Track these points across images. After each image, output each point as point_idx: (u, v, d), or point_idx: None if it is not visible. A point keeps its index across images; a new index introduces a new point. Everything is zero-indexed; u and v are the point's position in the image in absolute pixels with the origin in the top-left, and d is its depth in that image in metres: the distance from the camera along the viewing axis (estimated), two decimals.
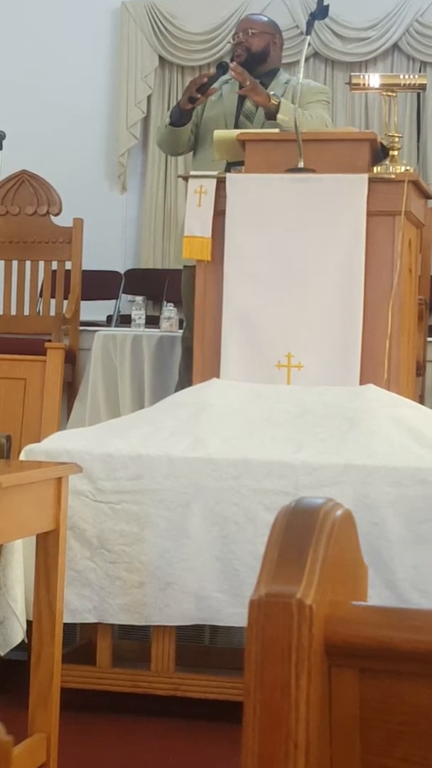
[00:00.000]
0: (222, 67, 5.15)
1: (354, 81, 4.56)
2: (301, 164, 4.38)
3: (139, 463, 3.65)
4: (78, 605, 3.62)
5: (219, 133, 4.93)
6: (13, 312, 6.94)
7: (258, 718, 1.45)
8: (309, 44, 4.83)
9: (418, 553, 3.46)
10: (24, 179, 6.98)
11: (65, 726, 3.14)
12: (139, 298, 6.93)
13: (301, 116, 4.58)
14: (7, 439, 3.23)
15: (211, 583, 3.54)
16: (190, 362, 4.69)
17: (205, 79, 5.12)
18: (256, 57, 5.35)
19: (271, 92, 5.10)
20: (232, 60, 5.37)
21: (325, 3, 4.77)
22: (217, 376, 4.33)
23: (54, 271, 6.91)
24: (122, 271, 8.36)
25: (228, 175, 4.52)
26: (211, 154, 4.96)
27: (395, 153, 4.44)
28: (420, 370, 5.75)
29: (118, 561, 3.61)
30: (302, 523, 1.52)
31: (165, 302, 6.96)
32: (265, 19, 5.65)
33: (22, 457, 3.70)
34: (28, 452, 3.71)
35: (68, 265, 6.86)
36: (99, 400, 6.25)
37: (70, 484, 3.25)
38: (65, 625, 3.21)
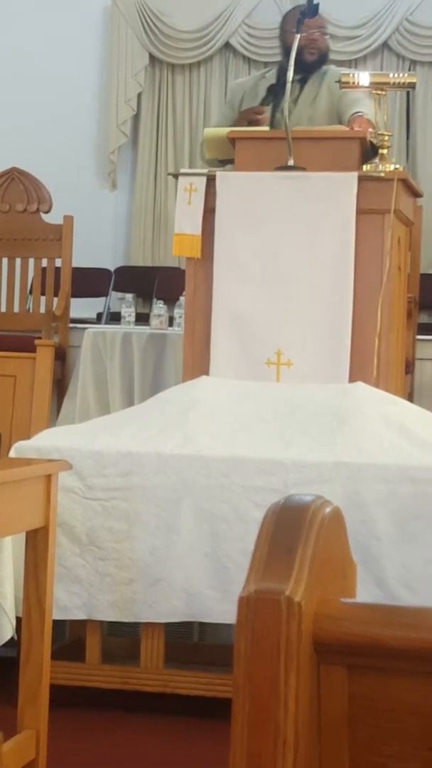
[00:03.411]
0: (273, 91, 4.93)
1: (344, 79, 4.56)
2: (291, 162, 4.39)
3: (128, 460, 3.65)
4: (67, 602, 3.62)
5: (209, 131, 4.92)
6: (3, 309, 6.93)
7: (247, 714, 1.45)
8: (299, 42, 4.81)
9: (407, 551, 3.46)
10: (14, 176, 6.97)
11: (54, 722, 3.14)
12: (129, 296, 6.93)
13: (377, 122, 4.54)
14: None
15: (201, 580, 3.55)
16: None
17: (258, 117, 4.87)
18: (324, 58, 5.18)
19: (362, 114, 4.80)
20: (302, 50, 4.95)
21: (314, 1, 4.77)
22: (207, 373, 4.34)
23: (44, 269, 6.90)
24: (112, 269, 8.36)
25: (218, 172, 4.53)
26: None
27: (385, 151, 4.45)
28: (409, 367, 5.76)
29: (108, 558, 3.61)
30: (291, 521, 1.53)
31: (155, 300, 6.96)
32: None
33: (11, 454, 3.70)
34: (18, 449, 3.71)
35: (58, 263, 6.85)
36: (89, 398, 6.25)
37: (60, 481, 3.25)
38: (54, 621, 3.21)
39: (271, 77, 5.15)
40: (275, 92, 4.93)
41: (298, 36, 4.68)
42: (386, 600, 3.36)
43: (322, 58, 5.15)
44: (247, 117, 4.85)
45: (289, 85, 4.51)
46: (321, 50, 5.13)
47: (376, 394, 3.99)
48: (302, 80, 5.02)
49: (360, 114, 4.72)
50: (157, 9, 8.55)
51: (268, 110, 4.92)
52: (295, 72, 4.99)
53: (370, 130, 4.53)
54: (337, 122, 4.91)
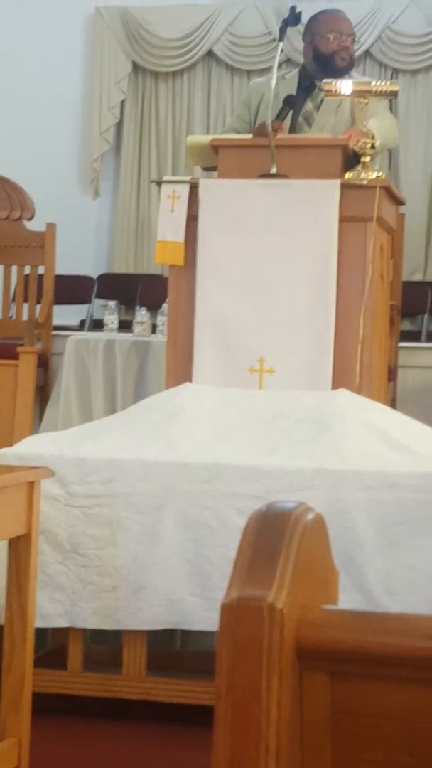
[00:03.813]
0: (289, 103, 4.79)
1: (326, 87, 4.56)
2: (273, 170, 4.39)
3: (111, 467, 3.65)
4: (50, 610, 3.61)
5: (192, 139, 4.92)
6: None
7: (229, 721, 1.45)
8: (282, 51, 4.82)
9: (389, 557, 3.47)
10: None
11: (36, 730, 3.13)
12: (111, 303, 6.93)
13: (382, 132, 4.52)
14: None
15: (183, 587, 3.54)
16: None
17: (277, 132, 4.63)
18: (352, 65, 5.15)
19: (363, 126, 4.66)
20: (331, 56, 5.00)
21: (297, 10, 4.78)
22: (190, 380, 4.34)
23: (27, 276, 6.89)
24: (95, 276, 8.36)
25: (201, 180, 4.53)
26: None
27: (367, 159, 4.45)
28: (392, 374, 5.77)
29: (90, 565, 3.60)
30: (274, 527, 1.53)
31: (138, 307, 6.96)
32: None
33: None
34: (0, 456, 3.70)
35: (41, 270, 6.84)
36: (71, 405, 6.24)
37: (42, 488, 3.25)
38: (37, 629, 3.20)
39: (292, 79, 5.08)
40: (293, 101, 4.85)
41: (280, 44, 4.69)
42: (368, 606, 3.36)
43: (351, 65, 5.12)
44: (265, 132, 4.56)
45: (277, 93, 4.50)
46: (352, 57, 5.12)
47: (358, 401, 3.99)
48: None
49: (356, 127, 4.69)
50: (141, 17, 8.56)
51: (287, 120, 4.84)
52: (312, 80, 4.98)
53: (364, 140, 4.47)
54: None
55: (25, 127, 8.36)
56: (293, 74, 5.12)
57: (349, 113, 4.94)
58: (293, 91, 4.96)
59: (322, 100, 4.97)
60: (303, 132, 4.89)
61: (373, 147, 4.45)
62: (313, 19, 5.09)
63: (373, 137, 4.45)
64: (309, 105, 5.03)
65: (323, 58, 5.02)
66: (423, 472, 3.52)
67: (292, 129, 4.89)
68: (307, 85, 5.04)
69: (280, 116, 4.68)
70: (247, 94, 5.24)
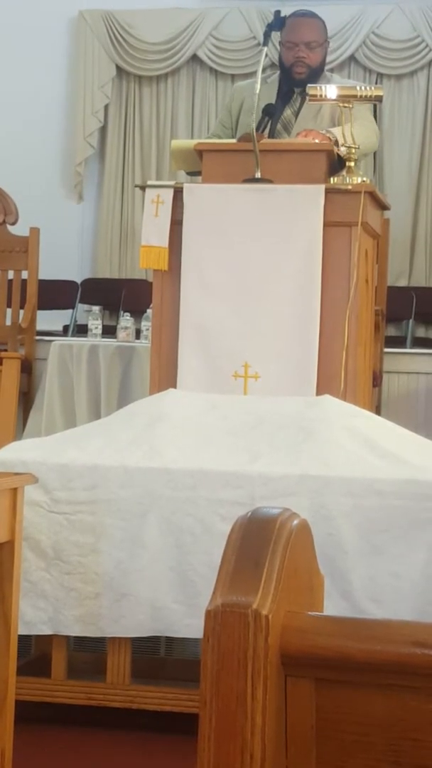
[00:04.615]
0: (268, 113, 4.78)
1: (311, 92, 4.56)
2: (258, 174, 4.39)
3: (94, 473, 3.63)
4: (33, 617, 3.59)
5: (176, 143, 4.92)
6: None
7: (214, 728, 1.44)
8: (266, 55, 4.82)
9: (374, 564, 3.46)
10: None
11: (20, 739, 3.11)
12: (95, 308, 6.92)
13: (356, 136, 4.43)
14: None
15: (167, 594, 3.53)
16: None
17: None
18: (316, 72, 5.01)
19: (323, 130, 4.73)
20: (290, 68, 4.95)
21: (281, 14, 4.78)
22: (174, 386, 4.33)
23: (10, 281, 6.88)
24: (79, 281, 8.34)
25: (185, 184, 4.52)
26: None
27: (352, 164, 4.45)
28: (376, 380, 5.77)
29: (74, 572, 3.59)
30: (258, 534, 1.52)
31: (122, 312, 6.96)
32: (320, 22, 5.14)
33: None
34: None
35: (25, 275, 6.83)
36: (55, 410, 6.23)
37: (26, 495, 3.23)
38: (20, 636, 3.18)
39: (273, 83, 5.04)
40: (271, 111, 4.82)
41: (264, 48, 4.68)
42: (353, 613, 3.35)
43: (314, 73, 4.99)
44: (249, 138, 4.51)
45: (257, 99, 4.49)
46: (310, 66, 4.97)
47: (343, 407, 3.99)
48: (304, 92, 4.88)
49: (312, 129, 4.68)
50: (124, 21, 8.56)
51: (267, 131, 4.81)
52: (291, 86, 4.98)
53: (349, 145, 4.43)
54: None
55: (8, 131, 8.35)
56: (274, 78, 5.11)
57: (329, 118, 4.92)
58: (274, 95, 4.96)
59: (300, 106, 4.97)
60: (282, 137, 4.88)
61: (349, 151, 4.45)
62: (285, 24, 4.99)
63: (353, 145, 4.44)
64: (287, 112, 5.02)
65: (284, 69, 5.04)
66: (407, 479, 3.51)
67: (271, 136, 4.87)
68: (286, 91, 5.03)
69: (259, 128, 4.65)
70: (230, 99, 5.24)
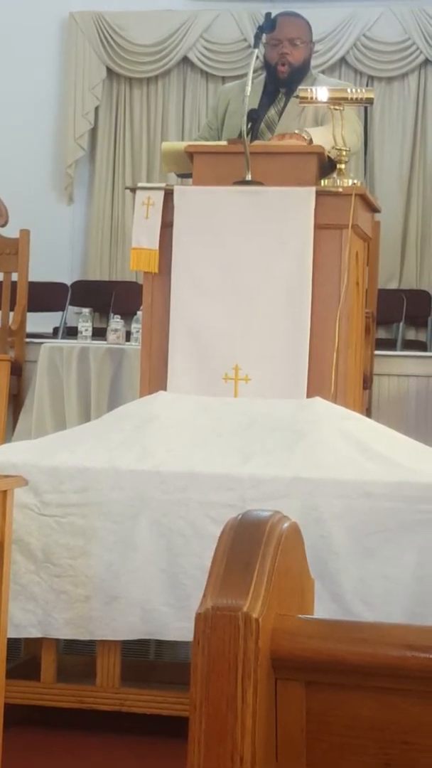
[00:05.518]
0: (252, 118, 4.68)
1: (302, 94, 4.55)
2: (248, 177, 4.38)
3: (85, 475, 3.62)
4: (22, 620, 3.58)
5: (166, 145, 4.91)
6: None
7: (204, 731, 1.44)
8: (257, 57, 4.81)
9: (365, 566, 3.46)
10: None
11: (9, 742, 3.10)
12: (85, 310, 6.91)
13: (336, 137, 4.40)
14: None
15: (157, 597, 3.52)
16: None
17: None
18: (299, 71, 4.94)
19: (296, 130, 4.70)
20: (275, 66, 4.89)
21: (272, 16, 4.77)
22: (165, 388, 4.32)
23: (0, 283, 6.87)
24: (69, 283, 8.34)
25: (176, 186, 4.52)
26: None
27: (342, 166, 4.45)
28: (367, 383, 5.77)
29: (64, 575, 3.58)
30: (249, 536, 1.51)
31: (112, 314, 6.95)
32: (304, 22, 5.06)
33: None
34: None
35: (14, 277, 6.82)
36: (45, 413, 6.22)
37: (16, 497, 3.22)
38: (9, 639, 3.17)
39: (259, 84, 5.01)
40: (255, 116, 4.79)
41: (255, 51, 4.68)
42: (344, 615, 3.35)
43: (297, 71, 4.94)
44: (240, 141, 4.53)
45: (247, 97, 4.49)
46: (293, 63, 4.92)
47: (333, 409, 3.98)
48: (288, 92, 4.89)
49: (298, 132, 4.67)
50: (115, 22, 8.56)
51: (250, 136, 4.77)
52: (276, 86, 4.96)
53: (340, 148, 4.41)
54: None
55: None
56: (261, 79, 5.08)
57: (312, 118, 4.91)
58: (259, 94, 4.94)
59: (284, 106, 4.96)
60: (265, 138, 4.87)
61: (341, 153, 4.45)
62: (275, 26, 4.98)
63: (344, 147, 4.44)
64: (272, 111, 4.99)
65: (269, 68, 5.01)
66: (398, 481, 3.51)
67: (254, 136, 4.82)
68: (271, 90, 5.02)
69: (241, 135, 4.58)
70: (216, 101, 5.23)
